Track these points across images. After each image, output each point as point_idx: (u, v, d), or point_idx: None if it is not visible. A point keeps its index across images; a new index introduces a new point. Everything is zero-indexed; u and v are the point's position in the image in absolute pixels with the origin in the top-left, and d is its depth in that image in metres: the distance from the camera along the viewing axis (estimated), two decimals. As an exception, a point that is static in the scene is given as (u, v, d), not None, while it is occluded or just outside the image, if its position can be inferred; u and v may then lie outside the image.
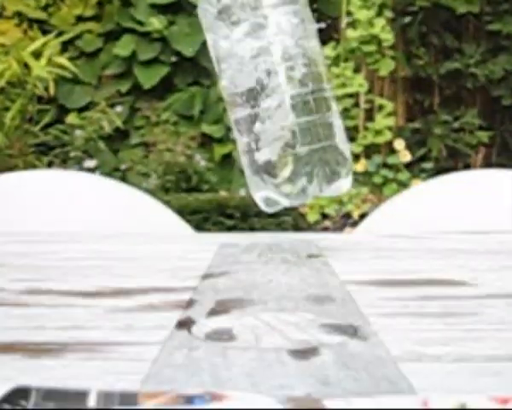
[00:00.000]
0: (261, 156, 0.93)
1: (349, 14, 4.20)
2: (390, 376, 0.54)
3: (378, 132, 4.13)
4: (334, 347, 0.61)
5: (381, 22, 4.10)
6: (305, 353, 0.59)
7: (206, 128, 4.34)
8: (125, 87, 4.60)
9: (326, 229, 3.77)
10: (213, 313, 0.72)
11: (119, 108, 4.46)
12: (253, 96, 0.94)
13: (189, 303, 0.75)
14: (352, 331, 0.65)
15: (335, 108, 0.98)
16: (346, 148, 0.97)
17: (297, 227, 3.61)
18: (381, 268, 0.95)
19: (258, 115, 0.93)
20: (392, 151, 4.09)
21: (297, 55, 0.94)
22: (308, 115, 0.94)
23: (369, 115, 4.27)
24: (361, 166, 4.00)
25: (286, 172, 0.93)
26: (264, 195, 0.96)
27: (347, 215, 3.80)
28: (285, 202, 0.96)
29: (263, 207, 0.96)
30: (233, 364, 0.57)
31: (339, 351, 0.59)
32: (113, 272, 0.93)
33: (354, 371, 0.55)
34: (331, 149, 0.95)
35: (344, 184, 0.97)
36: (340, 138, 0.96)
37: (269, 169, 0.94)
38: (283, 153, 0.93)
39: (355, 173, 3.99)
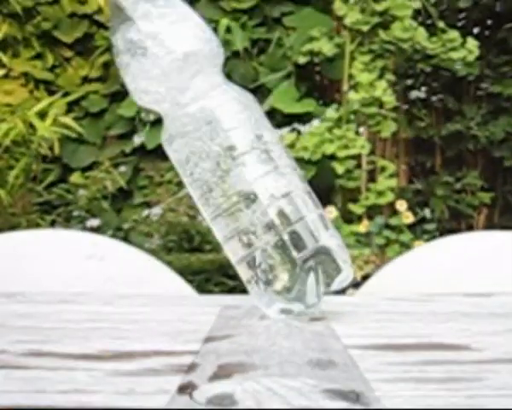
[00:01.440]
0: (267, 278, 0.94)
1: (351, 76, 4.26)
2: (393, 444, 0.54)
3: (380, 193, 4.15)
4: (337, 413, 0.60)
5: (382, 85, 4.15)
6: (307, 419, 0.58)
7: (209, 188, 4.35)
8: (129, 147, 4.64)
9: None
10: (215, 377, 0.71)
11: (122, 168, 4.50)
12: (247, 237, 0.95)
13: (191, 367, 0.74)
14: (354, 397, 0.64)
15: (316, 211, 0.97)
16: (333, 243, 0.97)
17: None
18: (383, 332, 0.95)
19: (253, 253, 0.95)
20: (395, 212, 4.10)
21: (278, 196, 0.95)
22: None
23: (372, 176, 4.29)
24: (363, 227, 4.00)
25: (287, 281, 0.94)
26: (277, 308, 0.96)
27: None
28: (299, 308, 0.96)
29: (280, 317, 0.96)
30: (234, 430, 0.56)
31: (341, 418, 0.59)
32: (115, 335, 0.92)
33: (357, 438, 0.54)
34: (323, 248, 0.95)
35: (347, 275, 0.97)
36: (328, 234, 0.96)
37: (272, 284, 0.94)
38: (283, 265, 0.94)
39: (358, 234, 3.99)
